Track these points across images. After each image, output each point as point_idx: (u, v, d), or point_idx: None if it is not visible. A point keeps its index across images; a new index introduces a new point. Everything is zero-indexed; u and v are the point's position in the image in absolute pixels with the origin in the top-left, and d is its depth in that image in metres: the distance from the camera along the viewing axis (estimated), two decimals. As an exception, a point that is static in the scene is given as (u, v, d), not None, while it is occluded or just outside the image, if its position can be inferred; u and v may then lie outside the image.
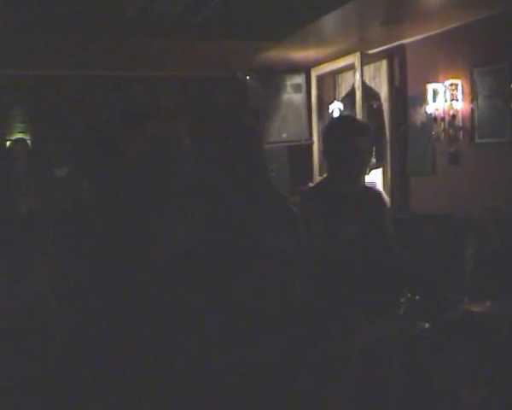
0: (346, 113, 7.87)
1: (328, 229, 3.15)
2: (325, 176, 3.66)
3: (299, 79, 8.62)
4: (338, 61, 7.84)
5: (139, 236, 3.71)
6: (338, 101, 8.13)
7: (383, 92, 7.42)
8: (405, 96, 7.09)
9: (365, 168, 3.69)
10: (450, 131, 6.20)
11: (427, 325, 4.64)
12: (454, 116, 6.15)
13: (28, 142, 7.50)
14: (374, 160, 7.32)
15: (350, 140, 3.40)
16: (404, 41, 6.96)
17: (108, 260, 3.39)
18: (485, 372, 4.02)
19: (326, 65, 8.19)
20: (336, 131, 3.60)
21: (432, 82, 6.33)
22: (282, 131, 8.58)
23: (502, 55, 5.66)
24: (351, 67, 7.64)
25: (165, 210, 3.77)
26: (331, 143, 3.51)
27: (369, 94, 7.38)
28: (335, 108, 8.04)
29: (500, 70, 5.69)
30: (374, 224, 3.42)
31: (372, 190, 4.13)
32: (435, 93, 6.27)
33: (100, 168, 3.57)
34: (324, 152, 3.75)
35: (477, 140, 5.98)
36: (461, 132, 6.15)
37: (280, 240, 2.32)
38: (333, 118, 7.34)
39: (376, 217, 3.46)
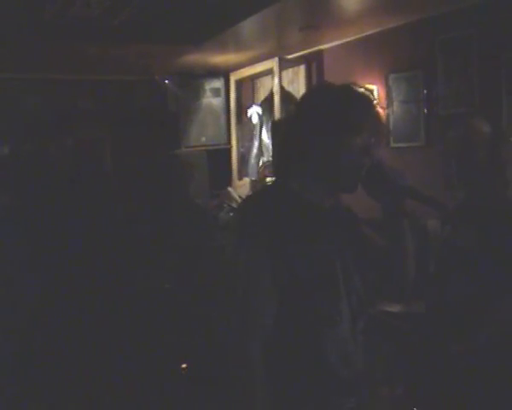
0: (264, 117, 7.93)
1: None
2: None
3: (218, 84, 8.65)
4: (257, 65, 7.90)
5: (67, 236, 3.68)
6: (256, 105, 8.18)
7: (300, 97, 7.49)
8: (323, 101, 7.18)
9: None
10: (367, 135, 6.30)
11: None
12: (370, 121, 6.25)
13: None
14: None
15: None
16: (322, 47, 7.06)
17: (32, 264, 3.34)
18: (401, 370, 4.12)
19: (245, 69, 8.24)
20: None
21: (349, 87, 6.42)
22: (201, 135, 8.60)
23: (416, 62, 5.80)
24: (269, 72, 7.70)
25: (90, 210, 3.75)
26: None
27: (288, 98, 7.46)
28: (254, 113, 8.09)
29: (414, 76, 5.84)
30: None
31: None
32: (352, 98, 6.37)
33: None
34: None
35: (392, 144, 6.11)
36: (377, 137, 6.26)
37: None
38: None
39: None
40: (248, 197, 2.56)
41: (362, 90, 2.28)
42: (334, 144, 2.15)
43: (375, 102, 2.28)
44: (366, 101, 2.25)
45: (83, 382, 5.17)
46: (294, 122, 2.26)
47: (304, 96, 2.42)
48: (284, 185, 2.21)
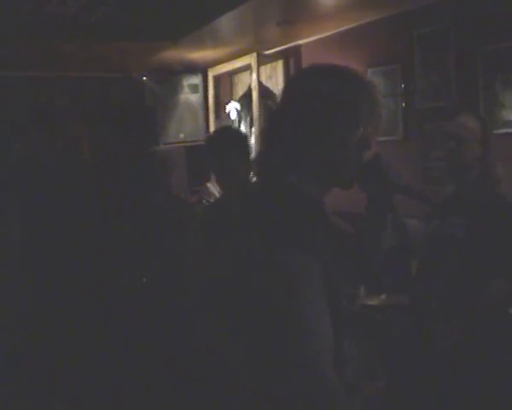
0: (242, 113, 7.92)
1: None
2: None
3: (195, 80, 8.63)
4: (234, 61, 7.89)
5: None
6: (235, 101, 8.17)
7: (279, 92, 7.49)
8: (301, 96, 7.17)
9: None
10: (345, 129, 6.31)
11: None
12: (349, 115, 6.26)
13: None
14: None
15: None
16: (300, 42, 7.06)
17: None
18: (381, 363, 4.13)
19: (223, 65, 8.22)
20: None
21: (326, 82, 6.42)
22: (179, 131, 8.57)
23: (394, 56, 5.82)
24: (247, 68, 7.69)
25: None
26: None
27: (266, 94, 7.45)
28: (232, 108, 8.08)
29: (392, 70, 5.85)
30: None
31: None
32: (331, 93, 6.37)
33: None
34: None
35: (371, 139, 6.11)
36: (355, 131, 6.27)
37: None
38: None
39: None
40: (252, 199, 2.02)
41: (359, 73, 2.02)
42: (333, 140, 1.88)
43: (374, 86, 2.02)
44: (367, 86, 1.99)
45: (71, 380, 5.15)
46: (284, 112, 2.02)
47: (293, 82, 2.14)
48: (282, 182, 1.90)
